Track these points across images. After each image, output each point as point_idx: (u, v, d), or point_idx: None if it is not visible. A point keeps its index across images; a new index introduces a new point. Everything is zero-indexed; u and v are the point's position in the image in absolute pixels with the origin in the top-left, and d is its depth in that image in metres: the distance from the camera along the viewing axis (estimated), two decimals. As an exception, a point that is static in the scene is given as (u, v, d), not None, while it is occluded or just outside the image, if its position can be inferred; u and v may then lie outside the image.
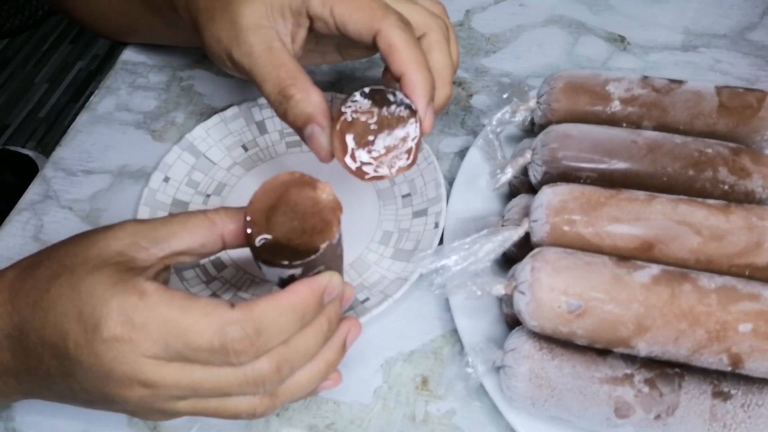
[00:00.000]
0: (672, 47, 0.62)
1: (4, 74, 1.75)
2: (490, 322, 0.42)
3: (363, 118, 0.37)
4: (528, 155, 0.45)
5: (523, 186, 0.47)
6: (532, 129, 0.50)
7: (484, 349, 0.39)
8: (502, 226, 0.43)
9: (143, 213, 0.48)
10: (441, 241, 0.46)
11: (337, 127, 0.37)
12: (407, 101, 0.37)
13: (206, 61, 0.62)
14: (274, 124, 0.55)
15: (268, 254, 0.31)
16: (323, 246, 0.31)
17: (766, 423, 0.34)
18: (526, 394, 0.36)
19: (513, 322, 0.40)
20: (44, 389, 0.35)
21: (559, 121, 0.45)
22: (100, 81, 0.61)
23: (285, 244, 0.31)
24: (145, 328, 0.30)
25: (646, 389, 0.35)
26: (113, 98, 0.59)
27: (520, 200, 0.44)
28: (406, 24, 0.38)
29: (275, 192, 0.33)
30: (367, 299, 0.44)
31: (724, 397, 0.35)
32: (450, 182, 0.50)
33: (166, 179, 0.51)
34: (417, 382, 0.42)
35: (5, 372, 0.34)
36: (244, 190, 0.52)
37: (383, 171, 0.37)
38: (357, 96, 0.37)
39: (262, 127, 0.55)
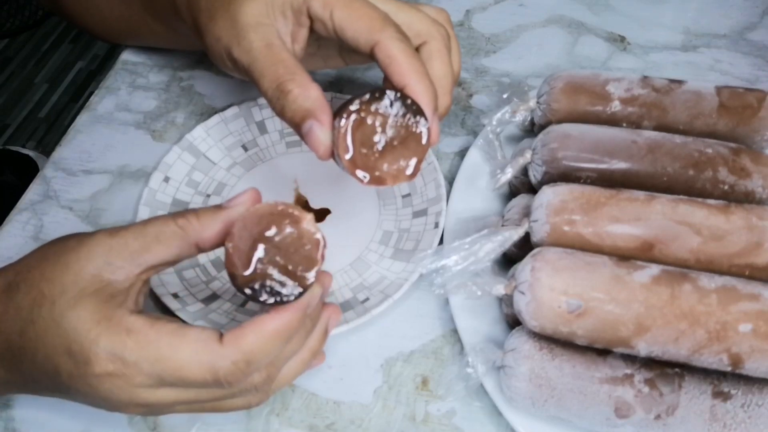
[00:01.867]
0: (672, 47, 0.62)
1: (4, 74, 1.75)
2: (490, 322, 0.42)
3: (370, 120, 0.35)
4: (528, 155, 0.45)
5: (523, 186, 0.47)
6: (532, 129, 0.50)
7: (484, 349, 0.39)
8: (502, 226, 0.43)
9: (143, 213, 0.48)
10: (441, 241, 0.46)
11: (342, 124, 0.35)
12: (416, 107, 0.36)
13: (206, 61, 0.62)
14: (274, 124, 0.55)
15: (249, 291, 0.31)
16: (305, 286, 0.32)
17: (766, 423, 0.34)
18: (526, 394, 0.36)
19: (513, 322, 0.40)
20: (41, 393, 0.36)
21: (559, 121, 0.45)
22: (100, 81, 0.61)
23: (267, 288, 0.32)
24: (137, 365, 0.30)
25: (646, 389, 0.35)
26: (113, 98, 0.59)
27: (520, 200, 0.44)
28: (404, 36, 0.38)
29: (256, 226, 0.32)
30: (367, 299, 0.44)
31: (724, 397, 0.35)
32: (450, 182, 0.50)
33: (166, 179, 0.51)
34: (417, 382, 0.42)
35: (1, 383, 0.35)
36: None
37: (385, 177, 0.36)
38: (367, 96, 0.35)
39: (262, 127, 0.55)
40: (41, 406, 0.41)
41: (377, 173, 0.36)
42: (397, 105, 0.36)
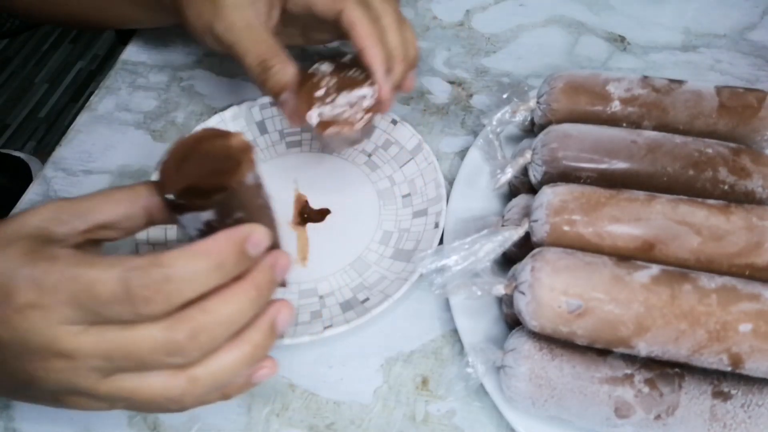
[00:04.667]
0: (672, 47, 0.62)
1: (4, 74, 1.76)
2: (490, 322, 0.42)
3: (325, 81, 0.43)
4: (528, 155, 0.45)
5: (523, 186, 0.47)
6: (532, 129, 0.50)
7: (484, 349, 0.39)
8: (502, 226, 0.43)
9: (143, 213, 0.49)
10: (441, 241, 0.46)
11: (302, 87, 0.43)
12: (363, 67, 0.43)
13: (206, 61, 0.62)
14: (274, 124, 0.55)
15: (178, 200, 0.30)
16: (234, 184, 0.30)
17: (766, 423, 0.34)
18: (526, 394, 0.36)
19: (513, 322, 0.40)
20: None
21: (559, 121, 0.45)
22: (100, 81, 0.61)
23: (197, 191, 0.30)
24: (55, 290, 0.28)
25: (646, 389, 0.35)
26: (113, 98, 0.59)
27: (520, 200, 0.44)
28: (365, 4, 0.43)
29: (186, 146, 0.32)
30: (367, 299, 0.44)
31: (724, 397, 0.35)
32: (450, 182, 0.50)
33: (166, 179, 0.51)
34: (417, 382, 0.42)
35: None
36: (244, 190, 0.52)
37: (343, 123, 0.43)
38: (323, 64, 0.43)
39: (262, 127, 0.55)
40: (41, 407, 0.41)
41: (336, 122, 0.43)
42: (348, 66, 0.43)
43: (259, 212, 0.33)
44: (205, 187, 0.30)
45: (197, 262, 0.29)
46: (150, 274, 0.28)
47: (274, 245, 0.32)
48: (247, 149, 0.31)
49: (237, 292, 0.30)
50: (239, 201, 0.31)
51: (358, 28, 0.43)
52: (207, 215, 0.30)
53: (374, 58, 0.43)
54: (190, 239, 0.32)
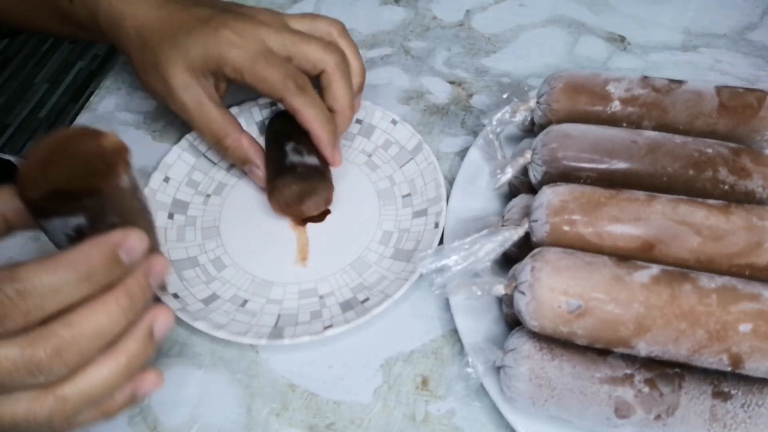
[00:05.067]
0: (672, 47, 0.62)
1: (4, 74, 1.76)
2: (490, 322, 0.42)
3: (288, 190, 0.47)
4: (528, 155, 0.45)
5: (523, 186, 0.47)
6: (532, 129, 0.50)
7: (484, 349, 0.39)
8: (502, 226, 0.43)
9: (143, 213, 0.49)
10: (441, 241, 0.46)
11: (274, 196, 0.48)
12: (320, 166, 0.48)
13: (206, 61, 0.61)
14: (274, 124, 0.55)
15: (42, 203, 0.28)
16: (107, 186, 0.28)
17: (766, 423, 0.34)
18: (526, 394, 0.36)
19: (513, 322, 0.40)
20: None
21: (559, 121, 0.45)
22: (100, 81, 0.61)
23: (65, 194, 0.28)
24: None
25: (646, 389, 0.35)
26: (113, 98, 0.59)
27: (520, 200, 0.44)
28: (303, 89, 0.46)
29: (53, 146, 0.29)
30: (367, 299, 0.44)
31: (724, 397, 0.35)
32: (450, 182, 0.50)
33: (166, 179, 0.51)
34: (417, 382, 0.42)
35: None
36: (244, 190, 0.52)
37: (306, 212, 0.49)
38: (286, 178, 0.46)
39: (261, 127, 0.55)
40: (41, 406, 0.41)
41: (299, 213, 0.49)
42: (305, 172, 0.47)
43: (135, 216, 0.31)
44: (74, 191, 0.28)
45: (60, 274, 0.27)
46: (4, 290, 0.26)
47: (152, 249, 0.30)
48: (121, 150, 0.30)
49: (107, 301, 0.28)
50: (113, 204, 0.29)
51: (300, 116, 0.46)
52: (76, 220, 0.28)
53: (320, 140, 0.47)
54: (58, 246, 0.30)
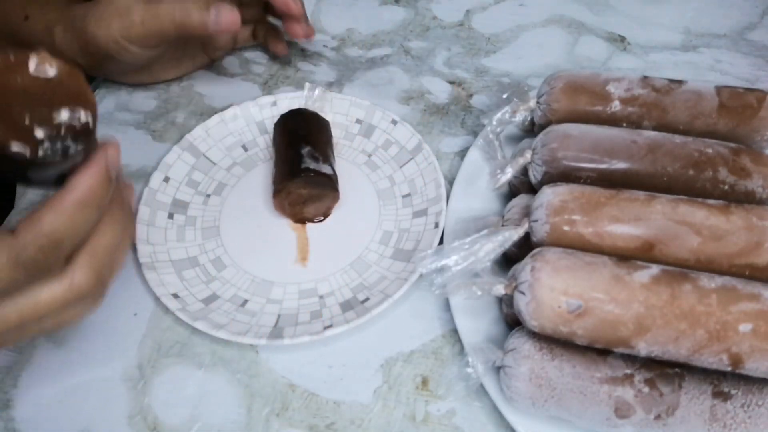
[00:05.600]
0: (672, 47, 0.62)
1: (4, 74, 1.75)
2: (490, 322, 0.42)
3: (297, 193, 0.48)
4: (528, 155, 0.45)
5: (523, 186, 0.47)
6: (532, 129, 0.50)
7: (484, 349, 0.39)
8: (502, 226, 0.43)
9: (143, 213, 0.49)
10: (441, 241, 0.46)
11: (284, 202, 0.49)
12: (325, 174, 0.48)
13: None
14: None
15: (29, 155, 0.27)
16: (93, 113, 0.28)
17: (766, 423, 0.34)
18: (526, 394, 0.36)
19: (513, 322, 0.40)
20: None
21: (559, 121, 0.45)
22: (100, 81, 0.61)
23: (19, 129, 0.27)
24: None
25: (646, 389, 0.35)
26: (113, 98, 0.59)
27: (520, 200, 0.44)
28: None
29: None
30: (367, 299, 0.44)
31: (724, 397, 0.35)
32: (450, 182, 0.50)
33: (166, 179, 0.51)
34: (417, 382, 0.42)
35: None
36: (244, 190, 0.52)
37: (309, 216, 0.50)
38: (298, 181, 0.47)
39: (261, 127, 0.55)
40: (41, 406, 0.41)
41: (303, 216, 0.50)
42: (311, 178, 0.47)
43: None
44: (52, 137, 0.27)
45: (79, 216, 0.29)
46: (39, 245, 0.29)
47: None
48: (72, 73, 0.29)
49: (111, 222, 0.32)
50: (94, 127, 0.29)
51: None
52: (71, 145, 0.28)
53: (299, 12, 0.55)
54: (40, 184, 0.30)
